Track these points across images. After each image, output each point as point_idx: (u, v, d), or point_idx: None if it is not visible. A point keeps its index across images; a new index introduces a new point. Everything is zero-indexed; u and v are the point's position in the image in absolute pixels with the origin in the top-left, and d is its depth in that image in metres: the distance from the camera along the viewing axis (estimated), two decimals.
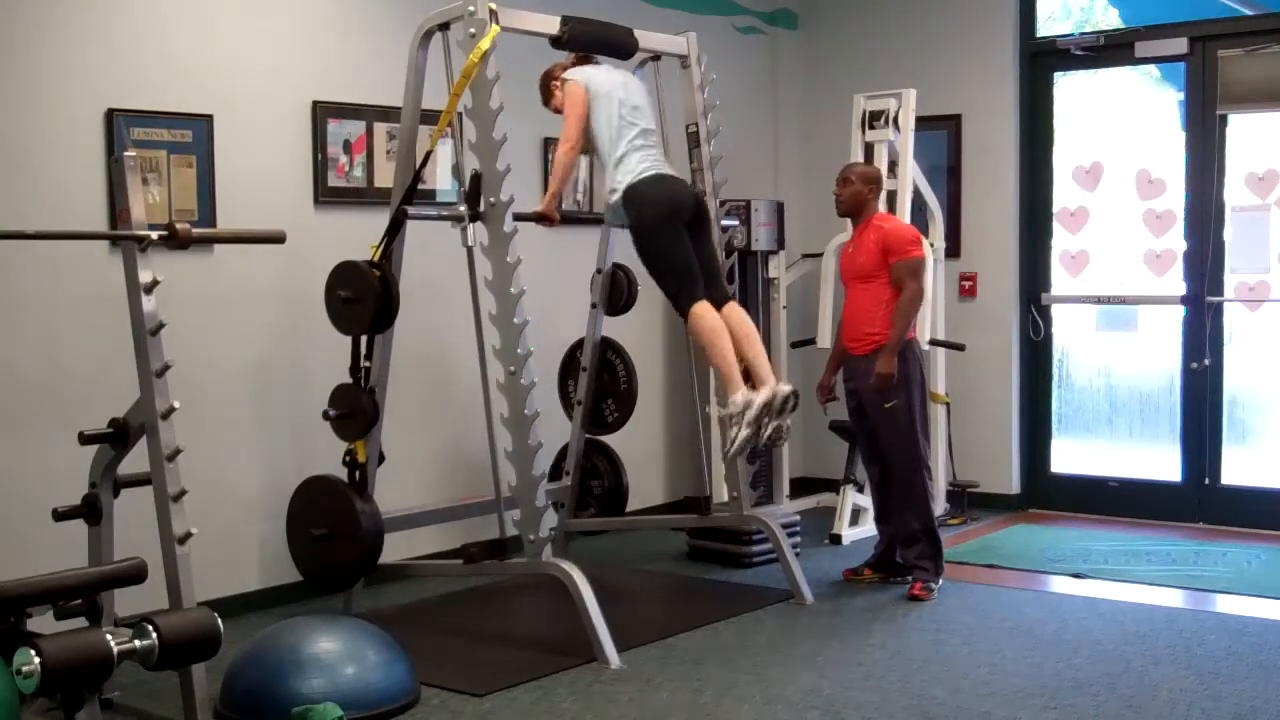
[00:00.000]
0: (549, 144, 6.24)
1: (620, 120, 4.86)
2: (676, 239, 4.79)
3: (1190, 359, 6.69)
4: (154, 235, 3.70)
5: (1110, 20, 7.03)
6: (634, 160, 4.83)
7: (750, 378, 4.73)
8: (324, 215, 5.34)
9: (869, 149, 6.50)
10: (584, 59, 5.13)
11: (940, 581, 5.39)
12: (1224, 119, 6.55)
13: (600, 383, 5.83)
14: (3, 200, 4.41)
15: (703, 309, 4.73)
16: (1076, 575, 5.68)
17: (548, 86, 5.15)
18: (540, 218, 5.02)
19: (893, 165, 6.47)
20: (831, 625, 4.96)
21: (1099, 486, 7.00)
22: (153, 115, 4.78)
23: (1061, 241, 7.10)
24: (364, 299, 4.65)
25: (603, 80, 4.95)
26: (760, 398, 4.61)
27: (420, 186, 4.88)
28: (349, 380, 4.80)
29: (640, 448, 6.42)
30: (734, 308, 4.92)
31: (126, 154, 3.80)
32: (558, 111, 5.00)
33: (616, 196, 4.83)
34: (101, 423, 3.89)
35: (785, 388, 4.71)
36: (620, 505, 5.91)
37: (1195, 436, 6.71)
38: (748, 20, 7.44)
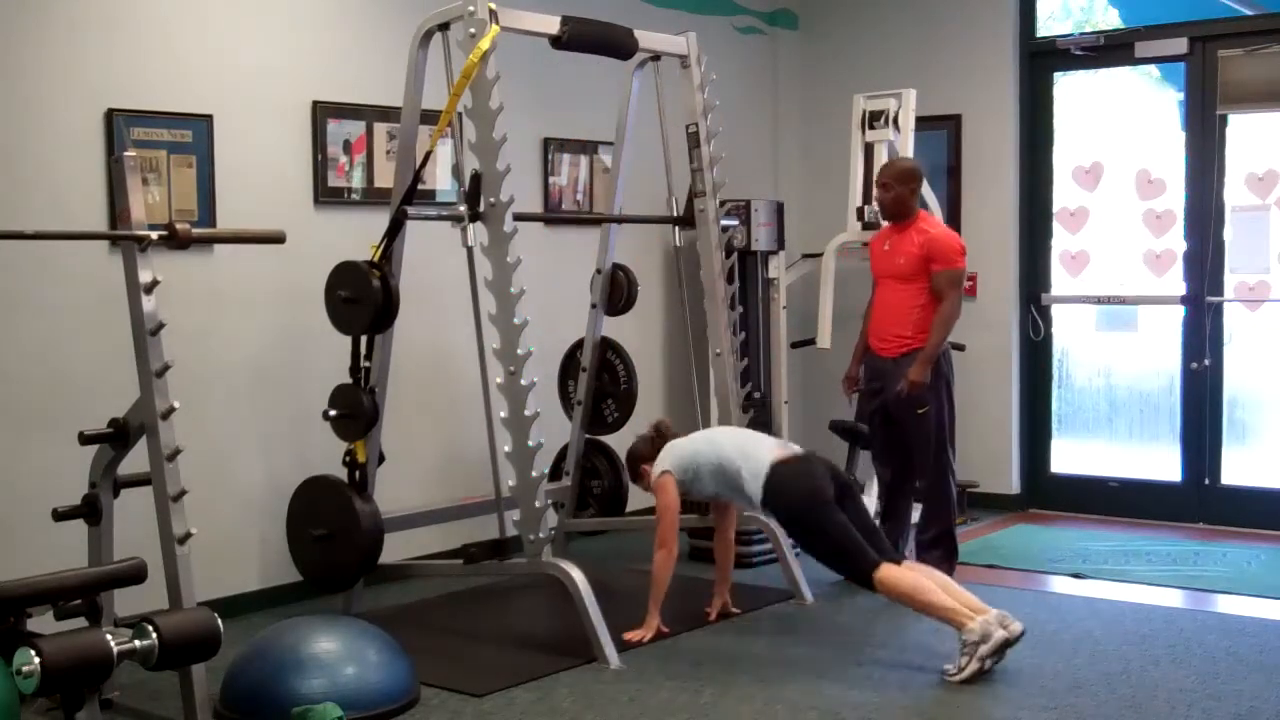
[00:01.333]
0: (549, 144, 6.25)
1: (735, 444, 4.74)
2: (829, 519, 4.50)
3: (1190, 359, 6.69)
4: (154, 235, 3.70)
5: (1110, 20, 7.03)
6: (757, 458, 4.65)
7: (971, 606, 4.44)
8: (324, 215, 5.34)
9: (869, 149, 6.49)
10: (661, 441, 4.93)
11: None
12: (1224, 119, 6.55)
13: (600, 383, 5.83)
14: (3, 200, 4.41)
15: (890, 572, 4.41)
16: (1076, 575, 5.68)
17: (635, 469, 5.04)
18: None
19: None
20: (831, 625, 4.96)
21: (1099, 486, 6.99)
22: (153, 115, 4.78)
23: (1061, 241, 7.10)
24: (364, 299, 4.64)
25: (693, 448, 4.82)
26: (999, 634, 4.26)
27: (420, 186, 4.87)
28: (349, 380, 4.80)
29: None
30: (909, 568, 4.58)
31: (126, 154, 3.80)
32: (646, 489, 4.94)
33: (757, 500, 4.63)
34: (101, 423, 3.89)
35: (1017, 626, 4.34)
36: (620, 505, 5.91)
37: (1195, 436, 6.71)
38: (748, 20, 7.44)
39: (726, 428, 5.19)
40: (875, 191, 5.51)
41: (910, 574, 4.46)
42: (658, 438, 4.98)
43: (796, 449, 4.77)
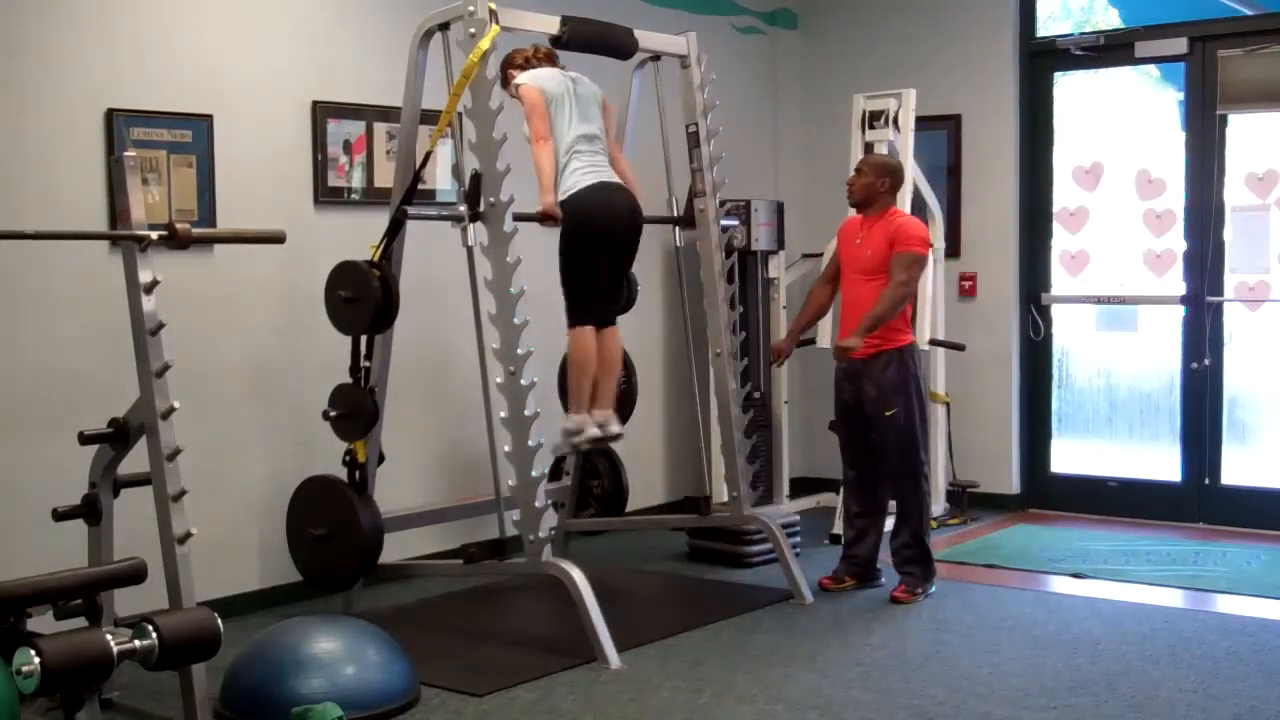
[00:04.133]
0: None
1: (569, 124, 4.88)
2: (593, 261, 4.95)
3: (1190, 359, 6.69)
4: (154, 235, 3.70)
5: (1110, 20, 7.03)
6: (574, 167, 4.86)
7: (592, 399, 5.06)
8: (324, 215, 5.34)
9: (869, 149, 6.49)
10: (538, 61, 5.07)
11: (930, 588, 5.33)
12: (1224, 119, 6.55)
13: None
14: (3, 200, 4.41)
15: (587, 336, 4.97)
16: (1076, 575, 5.68)
17: (505, 74, 5.09)
18: (543, 217, 5.00)
19: None
20: (831, 625, 4.96)
21: (1099, 486, 7.00)
22: (153, 115, 4.78)
23: (1061, 241, 7.10)
24: (364, 299, 4.64)
25: (556, 83, 4.93)
26: (591, 432, 5.02)
27: (420, 186, 4.87)
28: (349, 380, 4.80)
29: (640, 448, 6.42)
30: (613, 334, 5.13)
31: (126, 154, 3.80)
32: (514, 97, 5.00)
33: (557, 196, 4.90)
34: (101, 423, 3.89)
35: (615, 429, 5.11)
36: (620, 505, 5.90)
37: (1195, 436, 6.71)
38: (748, 20, 7.44)
39: (587, 130, 4.97)
40: (849, 176, 5.45)
41: (589, 350, 4.97)
42: (538, 59, 5.06)
43: (618, 181, 4.98)
